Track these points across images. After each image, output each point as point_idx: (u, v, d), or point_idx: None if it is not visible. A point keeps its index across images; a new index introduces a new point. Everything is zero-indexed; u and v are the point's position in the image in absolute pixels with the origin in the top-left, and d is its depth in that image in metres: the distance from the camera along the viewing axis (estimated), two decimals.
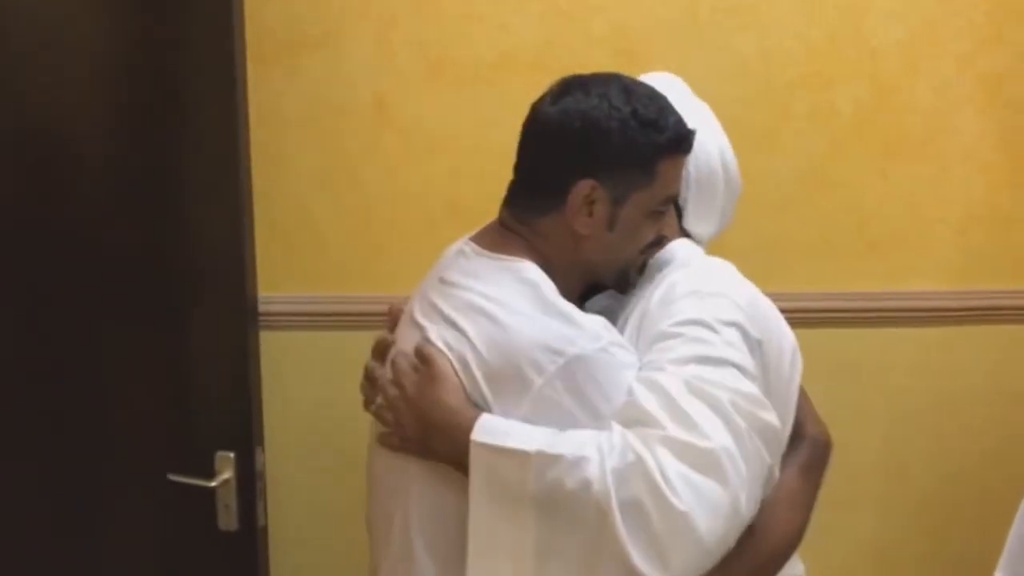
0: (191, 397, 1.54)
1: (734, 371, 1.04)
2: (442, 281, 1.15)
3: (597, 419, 1.03)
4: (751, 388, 1.04)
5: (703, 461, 0.97)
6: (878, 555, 1.88)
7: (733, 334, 1.07)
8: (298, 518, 1.79)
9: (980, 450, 1.86)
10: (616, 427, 1.01)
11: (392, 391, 1.11)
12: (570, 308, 1.08)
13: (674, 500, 0.95)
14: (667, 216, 1.20)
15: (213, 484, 1.51)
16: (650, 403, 1.01)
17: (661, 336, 1.08)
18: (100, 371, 1.55)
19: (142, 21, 1.46)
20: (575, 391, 1.03)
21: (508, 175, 1.82)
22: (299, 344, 1.76)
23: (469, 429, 1.03)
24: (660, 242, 1.16)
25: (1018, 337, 1.83)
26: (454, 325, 1.09)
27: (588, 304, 1.23)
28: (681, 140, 1.12)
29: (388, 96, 1.74)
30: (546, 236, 1.12)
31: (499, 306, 1.07)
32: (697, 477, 0.96)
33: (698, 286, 1.12)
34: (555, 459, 0.99)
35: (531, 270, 1.10)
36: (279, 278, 1.73)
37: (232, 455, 1.51)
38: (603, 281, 1.19)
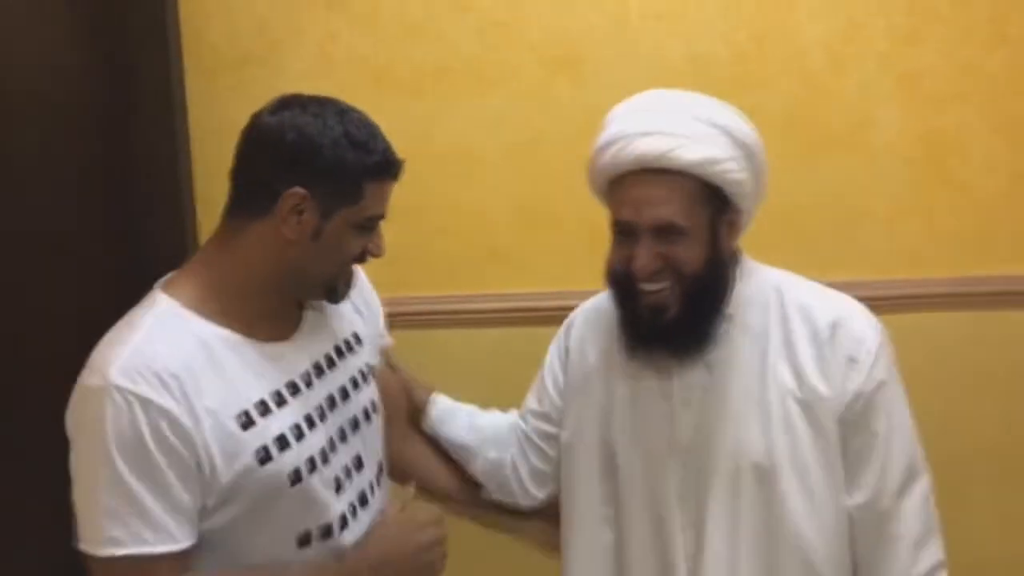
0: None
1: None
2: None
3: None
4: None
5: None
6: None
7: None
8: None
9: None
10: None
11: None
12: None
13: None
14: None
15: None
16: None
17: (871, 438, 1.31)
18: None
19: (85, 41, 1.53)
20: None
21: (448, 178, 1.89)
22: None
23: None
24: (363, 257, 1.21)
25: (948, 326, 1.88)
26: None
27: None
28: (389, 165, 1.17)
29: None
30: (256, 242, 1.15)
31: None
32: None
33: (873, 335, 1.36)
34: None
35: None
36: None
37: None
38: (312, 292, 1.22)
